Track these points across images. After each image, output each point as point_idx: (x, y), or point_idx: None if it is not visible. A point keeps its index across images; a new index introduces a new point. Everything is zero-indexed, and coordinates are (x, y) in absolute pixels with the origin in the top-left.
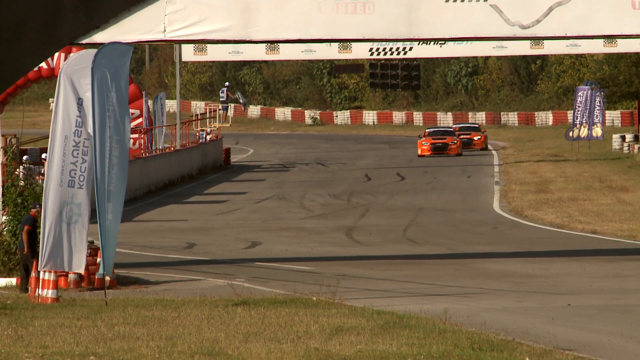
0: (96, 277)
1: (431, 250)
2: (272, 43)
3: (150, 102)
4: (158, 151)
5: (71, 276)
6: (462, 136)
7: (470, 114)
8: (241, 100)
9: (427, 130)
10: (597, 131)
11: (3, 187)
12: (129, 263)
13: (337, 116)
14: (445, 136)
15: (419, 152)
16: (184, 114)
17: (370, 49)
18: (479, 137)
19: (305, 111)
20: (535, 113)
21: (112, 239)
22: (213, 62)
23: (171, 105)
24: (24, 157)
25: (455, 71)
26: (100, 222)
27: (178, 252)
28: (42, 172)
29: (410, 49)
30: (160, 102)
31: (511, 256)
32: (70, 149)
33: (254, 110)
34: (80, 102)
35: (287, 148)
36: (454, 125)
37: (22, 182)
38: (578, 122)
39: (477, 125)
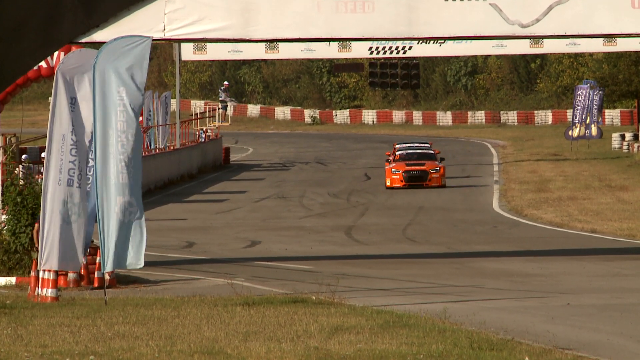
0: (96, 276)
1: (431, 250)
2: (272, 42)
3: (146, 101)
4: (158, 150)
5: (71, 275)
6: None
7: (469, 113)
8: (228, 101)
9: (398, 151)
10: (595, 130)
11: (3, 186)
12: None
13: (336, 115)
14: (424, 161)
15: (388, 184)
16: (183, 113)
17: (370, 48)
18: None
19: (305, 110)
20: (535, 112)
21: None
22: (213, 61)
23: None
24: (24, 156)
25: (454, 70)
26: (103, 220)
27: (178, 251)
28: (42, 171)
29: (410, 48)
30: (161, 101)
31: (511, 255)
32: (67, 148)
33: (254, 110)
34: (73, 101)
35: (287, 147)
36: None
37: (22, 181)
38: (577, 121)
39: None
